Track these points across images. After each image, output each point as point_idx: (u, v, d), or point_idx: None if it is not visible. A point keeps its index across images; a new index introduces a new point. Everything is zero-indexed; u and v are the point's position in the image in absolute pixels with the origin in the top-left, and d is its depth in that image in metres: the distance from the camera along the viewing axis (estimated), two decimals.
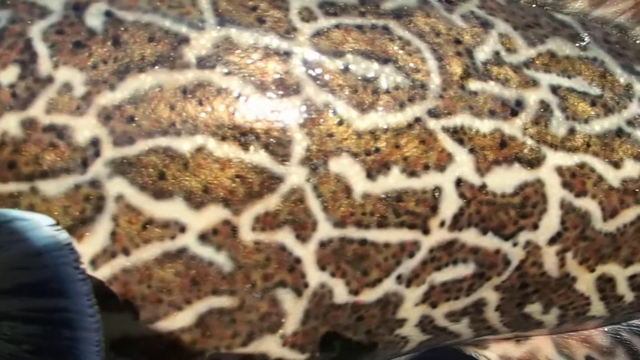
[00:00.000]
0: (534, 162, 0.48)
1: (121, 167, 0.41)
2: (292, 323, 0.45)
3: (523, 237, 0.48)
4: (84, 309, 0.33)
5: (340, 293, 0.46)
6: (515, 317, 0.53)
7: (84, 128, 0.41)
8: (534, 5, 0.54)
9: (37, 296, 0.34)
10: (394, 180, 0.45)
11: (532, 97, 0.48)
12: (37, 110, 0.41)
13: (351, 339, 0.49)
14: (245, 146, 0.43)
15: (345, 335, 0.48)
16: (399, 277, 0.47)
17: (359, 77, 0.45)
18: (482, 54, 0.49)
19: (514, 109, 0.48)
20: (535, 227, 0.48)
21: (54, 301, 0.33)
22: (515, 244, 0.48)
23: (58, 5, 0.43)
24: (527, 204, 0.48)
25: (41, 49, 0.42)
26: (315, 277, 0.45)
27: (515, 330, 0.56)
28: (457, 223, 0.47)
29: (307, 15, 0.46)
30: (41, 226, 0.34)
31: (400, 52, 0.47)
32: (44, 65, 0.42)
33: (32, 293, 0.34)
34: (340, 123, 0.44)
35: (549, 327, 0.56)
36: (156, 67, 0.43)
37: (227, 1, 0.45)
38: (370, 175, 0.45)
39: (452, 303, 0.50)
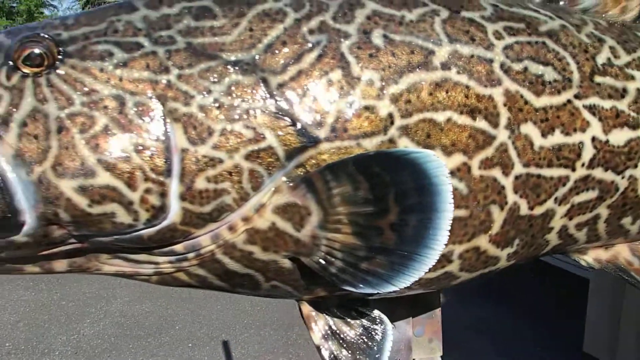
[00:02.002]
0: (636, 126, 0.76)
1: (406, 131, 0.68)
2: (496, 227, 0.73)
3: (628, 172, 0.77)
4: (448, 199, 0.60)
5: (524, 208, 0.74)
6: (614, 227, 0.82)
7: (384, 107, 0.68)
8: (622, 25, 0.83)
9: (419, 195, 0.60)
10: (557, 138, 0.73)
11: (632, 86, 0.77)
12: (356, 97, 0.67)
13: (523, 240, 0.77)
14: (473, 117, 0.70)
15: (521, 237, 0.76)
16: (555, 199, 0.75)
17: (533, 74, 0.73)
18: (600, 59, 0.77)
19: (622, 94, 0.76)
20: (636, 166, 0.77)
21: (431, 198, 0.60)
22: (622, 177, 0.77)
23: (354, 30, 0.69)
24: (632, 152, 0.77)
25: (351, 59, 0.68)
26: (511, 198, 0.73)
27: (610, 238, 0.85)
28: (591, 164, 0.75)
29: (499, 35, 0.73)
30: (430, 154, 0.60)
31: (554, 58, 0.75)
32: (355, 68, 0.68)
33: (415, 194, 0.61)
34: (526, 103, 0.72)
35: (631, 236, 0.85)
36: (417, 69, 0.69)
37: (451, 26, 0.72)
38: (544, 134, 0.73)
39: (581, 217, 0.79)
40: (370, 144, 0.67)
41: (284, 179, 0.66)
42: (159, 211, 0.64)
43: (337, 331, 0.79)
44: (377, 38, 0.70)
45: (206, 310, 4.45)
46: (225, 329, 4.15)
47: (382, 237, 0.63)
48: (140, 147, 0.63)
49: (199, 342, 4.02)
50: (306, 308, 0.80)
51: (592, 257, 0.88)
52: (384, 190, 0.61)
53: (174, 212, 0.65)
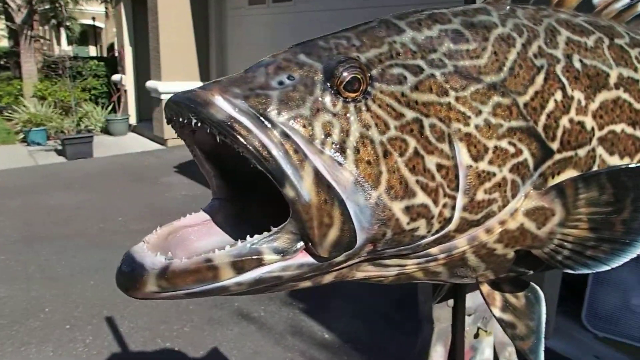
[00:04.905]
0: None
1: (600, 141, 0.84)
2: None
3: None
4: None
5: None
6: None
7: (589, 122, 0.82)
8: None
9: None
10: None
11: None
12: (573, 114, 0.80)
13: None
14: (634, 127, 0.88)
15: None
16: None
17: None
18: None
19: None
20: None
21: None
22: None
23: (561, 55, 0.82)
24: None
25: (565, 81, 0.81)
26: None
27: None
28: None
29: (639, 59, 0.92)
30: None
31: None
32: (569, 89, 0.81)
33: None
34: None
35: None
36: (603, 89, 0.85)
37: (613, 52, 0.88)
38: None
39: None
40: (582, 153, 0.82)
41: (530, 186, 0.78)
42: (446, 222, 0.71)
43: (509, 303, 0.94)
44: (576, 62, 0.83)
45: (78, 289, 4.13)
46: (107, 305, 3.89)
47: (612, 230, 0.78)
48: (439, 166, 0.69)
49: (78, 323, 3.73)
50: (485, 287, 0.93)
51: None
52: (624, 194, 0.77)
53: (454, 221, 0.72)
